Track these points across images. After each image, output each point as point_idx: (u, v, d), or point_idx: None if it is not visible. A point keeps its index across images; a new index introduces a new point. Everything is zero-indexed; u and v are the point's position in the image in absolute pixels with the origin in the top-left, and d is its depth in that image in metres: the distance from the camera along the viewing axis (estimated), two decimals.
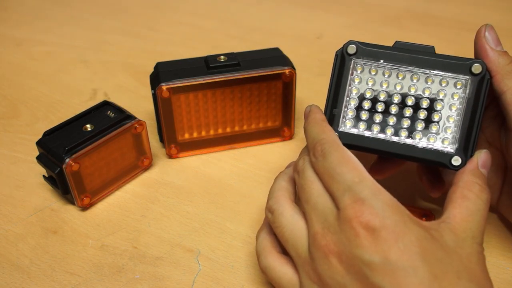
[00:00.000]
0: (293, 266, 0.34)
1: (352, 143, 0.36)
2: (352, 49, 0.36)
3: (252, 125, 0.52)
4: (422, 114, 0.36)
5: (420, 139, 0.36)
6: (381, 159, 0.42)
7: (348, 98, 0.37)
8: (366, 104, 0.36)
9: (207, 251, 0.41)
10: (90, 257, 0.41)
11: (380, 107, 0.36)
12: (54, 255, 0.41)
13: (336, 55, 0.37)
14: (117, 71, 0.69)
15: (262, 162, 0.51)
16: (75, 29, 0.82)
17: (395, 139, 0.36)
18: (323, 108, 0.37)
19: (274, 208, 0.35)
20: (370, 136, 0.36)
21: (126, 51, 0.74)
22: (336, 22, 0.82)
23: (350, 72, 0.36)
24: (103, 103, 0.48)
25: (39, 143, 0.45)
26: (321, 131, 0.34)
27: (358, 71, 0.37)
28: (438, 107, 0.35)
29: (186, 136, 0.51)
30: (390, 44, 0.37)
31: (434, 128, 0.35)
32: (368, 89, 0.37)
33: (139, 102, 0.61)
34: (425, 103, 0.36)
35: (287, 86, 0.50)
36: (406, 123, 0.36)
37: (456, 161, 0.34)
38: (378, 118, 0.36)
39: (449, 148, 0.35)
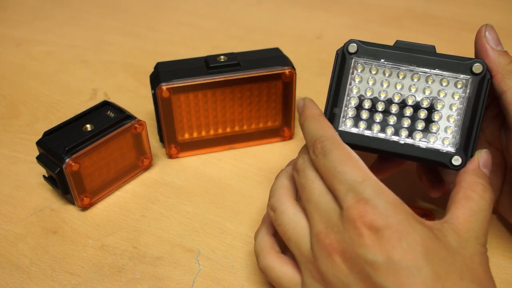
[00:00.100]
0: (293, 266, 0.34)
1: (352, 142, 0.36)
2: (353, 48, 0.36)
3: (252, 125, 0.52)
4: (423, 114, 0.36)
5: (420, 138, 0.35)
6: (381, 158, 0.42)
7: (348, 97, 0.36)
8: (367, 103, 0.36)
9: (207, 251, 0.41)
10: (90, 257, 0.41)
11: (380, 106, 0.36)
12: (54, 255, 0.41)
13: (337, 54, 0.36)
14: (117, 71, 0.69)
15: (262, 162, 0.51)
16: (75, 29, 0.82)
17: (395, 138, 0.36)
18: (322, 107, 0.37)
19: (276, 206, 0.35)
20: (370, 135, 0.36)
21: (126, 51, 0.74)
22: (336, 22, 0.82)
23: (351, 71, 0.36)
24: (103, 103, 0.48)
25: (39, 143, 0.45)
26: (320, 128, 0.34)
27: (359, 70, 0.36)
28: (439, 106, 0.35)
29: (186, 136, 0.51)
30: (390, 44, 0.37)
31: (434, 128, 0.35)
32: (368, 88, 0.36)
33: (139, 102, 0.61)
34: (425, 103, 0.36)
35: (287, 86, 0.50)
36: (406, 122, 0.36)
37: (457, 160, 0.34)
38: (378, 117, 0.36)
39: (449, 147, 0.35)
